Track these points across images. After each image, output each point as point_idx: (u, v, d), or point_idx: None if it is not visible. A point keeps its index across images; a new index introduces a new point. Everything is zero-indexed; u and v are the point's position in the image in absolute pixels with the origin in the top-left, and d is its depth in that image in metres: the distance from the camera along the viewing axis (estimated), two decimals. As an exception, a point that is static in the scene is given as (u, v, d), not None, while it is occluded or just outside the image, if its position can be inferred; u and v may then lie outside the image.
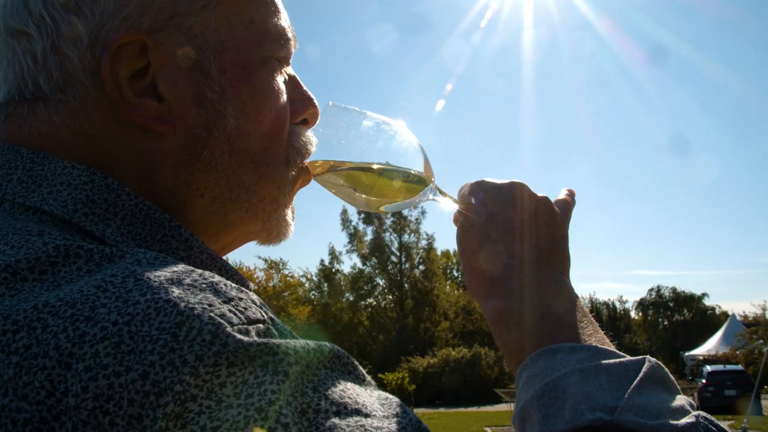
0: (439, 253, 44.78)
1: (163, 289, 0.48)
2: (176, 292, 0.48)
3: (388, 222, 38.75)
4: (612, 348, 0.71)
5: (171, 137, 0.68)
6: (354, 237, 43.53)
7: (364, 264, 44.88)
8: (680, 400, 0.64)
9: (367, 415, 0.49)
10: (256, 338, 0.48)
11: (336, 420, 0.47)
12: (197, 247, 0.66)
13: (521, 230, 0.81)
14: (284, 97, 0.76)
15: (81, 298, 0.47)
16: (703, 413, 0.63)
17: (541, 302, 0.76)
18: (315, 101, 0.82)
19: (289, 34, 0.76)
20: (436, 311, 43.37)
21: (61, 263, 0.52)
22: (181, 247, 0.64)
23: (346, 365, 0.54)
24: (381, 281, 45.51)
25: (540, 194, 0.85)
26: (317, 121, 0.83)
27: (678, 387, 0.68)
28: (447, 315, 44.11)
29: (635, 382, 0.64)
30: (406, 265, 43.67)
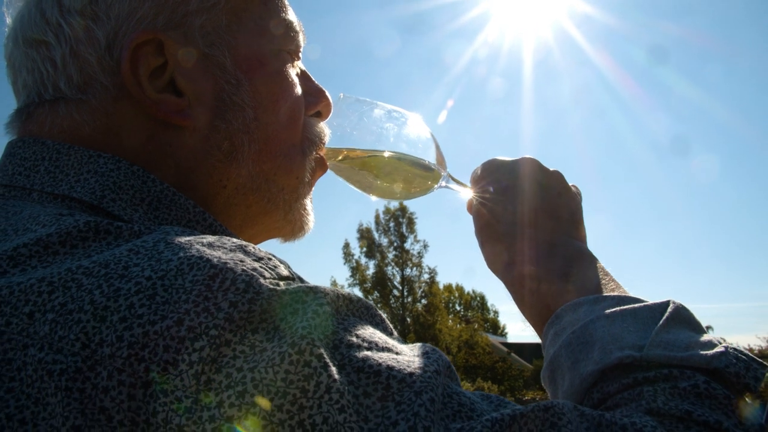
0: (441, 287, 44.58)
1: (194, 249, 0.50)
2: (208, 250, 0.50)
3: (390, 256, 38.62)
4: (636, 296, 0.72)
5: (191, 130, 0.70)
6: (356, 270, 43.39)
7: (366, 298, 44.47)
8: (707, 336, 0.65)
9: (397, 353, 0.50)
10: (288, 286, 0.49)
11: (368, 353, 0.48)
12: (221, 232, 0.68)
13: (534, 201, 0.84)
14: (298, 89, 0.78)
15: (113, 259, 0.49)
16: (731, 344, 0.63)
17: (563, 264, 0.79)
18: (327, 94, 0.85)
19: (297, 28, 0.79)
20: (438, 345, 42.87)
21: (92, 238, 0.53)
22: (206, 232, 0.65)
23: (374, 316, 0.55)
24: (383, 315, 45.01)
25: (552, 169, 0.88)
26: (330, 113, 0.86)
27: (703, 327, 0.68)
28: (449, 349, 43.69)
29: (661, 322, 0.66)
30: (408, 299, 43.42)
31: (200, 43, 0.70)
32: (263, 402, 0.42)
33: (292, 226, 0.81)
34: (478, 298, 52.75)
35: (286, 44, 0.77)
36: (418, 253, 38.73)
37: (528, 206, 0.84)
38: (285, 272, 0.52)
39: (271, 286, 0.48)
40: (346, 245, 38.37)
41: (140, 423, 0.42)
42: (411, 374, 0.47)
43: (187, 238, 0.52)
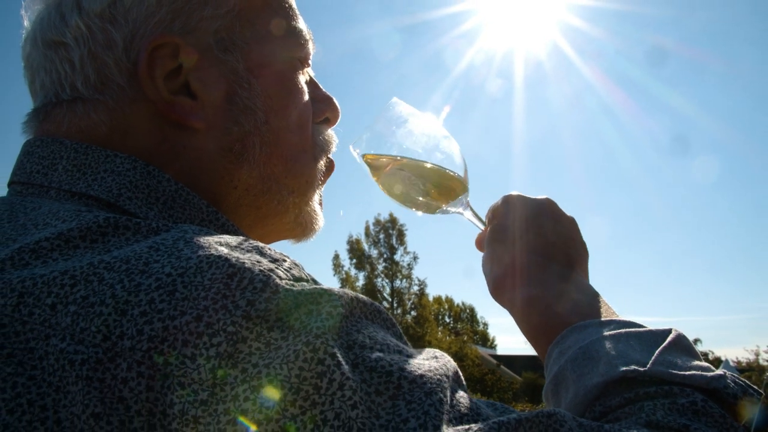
0: (431, 299, 44.55)
1: (213, 248, 0.51)
2: (226, 250, 0.51)
3: (380, 267, 38.58)
4: (637, 323, 0.75)
5: (204, 132, 0.71)
6: (346, 282, 43.26)
7: (355, 310, 44.21)
8: (705, 363, 0.68)
9: (409, 356, 0.52)
10: (303, 287, 0.50)
11: (380, 354, 0.49)
12: (233, 231, 0.70)
13: (528, 230, 0.87)
14: (306, 96, 0.80)
15: (134, 255, 0.50)
16: (728, 372, 0.66)
17: (568, 290, 0.82)
18: (335, 101, 0.87)
19: (308, 37, 0.81)
20: (428, 358, 42.66)
21: (111, 233, 0.55)
22: (219, 232, 0.65)
23: (386, 320, 0.56)
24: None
25: (541, 197, 0.91)
26: (338, 120, 0.88)
27: (701, 356, 0.71)
28: (439, 361, 43.38)
29: (664, 345, 0.69)
30: (398, 311, 43.33)
31: (214, 47, 0.72)
32: (277, 397, 0.43)
33: (302, 228, 0.83)
34: (468, 310, 52.74)
35: (296, 51, 0.79)
36: (408, 264, 38.74)
37: (524, 247, 0.86)
38: (299, 274, 0.53)
39: (287, 287, 0.49)
40: (336, 257, 38.32)
41: (157, 413, 0.43)
42: (421, 376, 0.49)
43: (206, 238, 0.54)
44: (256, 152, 0.74)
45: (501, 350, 52.75)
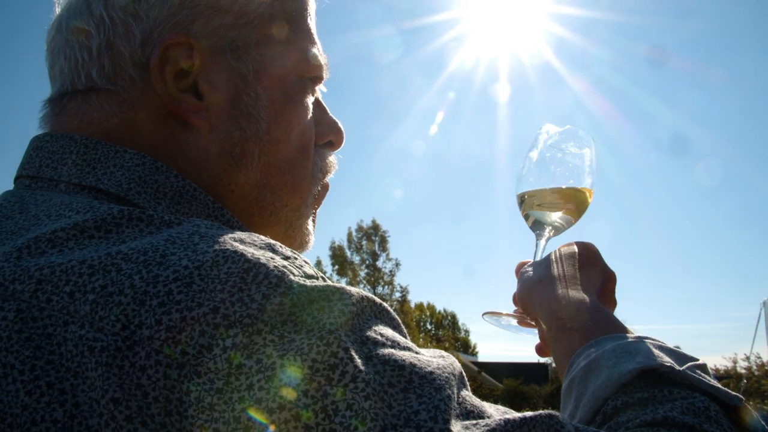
0: (412, 305, 44.56)
1: (228, 243, 0.53)
2: (240, 246, 0.53)
3: (362, 274, 38.46)
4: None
5: (207, 132, 0.73)
6: (327, 289, 42.89)
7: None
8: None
9: (417, 353, 0.54)
10: (316, 284, 0.52)
11: (392, 350, 0.51)
12: (239, 227, 0.72)
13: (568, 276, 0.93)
14: (310, 114, 0.82)
15: (151, 248, 0.52)
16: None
17: (616, 318, 0.87)
18: (340, 126, 0.88)
19: (322, 61, 0.82)
20: (409, 364, 42.59)
21: (125, 224, 0.56)
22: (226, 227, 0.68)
23: (393, 319, 0.58)
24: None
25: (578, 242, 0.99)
26: (342, 145, 0.89)
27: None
28: (421, 368, 43.36)
29: (695, 362, 0.74)
30: (380, 318, 43.09)
31: (228, 54, 0.74)
32: (290, 387, 0.45)
33: (291, 242, 0.84)
34: (450, 317, 52.82)
35: (308, 71, 0.81)
36: (390, 271, 38.69)
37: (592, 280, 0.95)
38: (311, 271, 0.55)
39: (301, 282, 0.51)
40: (318, 263, 38.12)
41: (173, 400, 0.45)
42: (431, 372, 0.50)
43: (219, 233, 0.55)
44: (254, 159, 0.76)
45: (482, 357, 52.83)
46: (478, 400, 0.55)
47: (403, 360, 0.50)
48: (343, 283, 0.53)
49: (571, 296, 0.88)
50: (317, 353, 0.46)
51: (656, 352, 0.74)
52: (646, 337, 0.79)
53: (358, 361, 0.48)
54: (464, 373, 0.57)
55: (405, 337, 0.57)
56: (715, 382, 0.71)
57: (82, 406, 0.46)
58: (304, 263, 0.56)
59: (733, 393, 0.69)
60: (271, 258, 0.52)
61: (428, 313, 49.87)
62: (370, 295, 0.55)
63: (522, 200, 1.07)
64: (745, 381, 15.74)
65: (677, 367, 0.70)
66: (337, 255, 37.77)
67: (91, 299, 0.48)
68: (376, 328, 0.53)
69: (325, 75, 0.84)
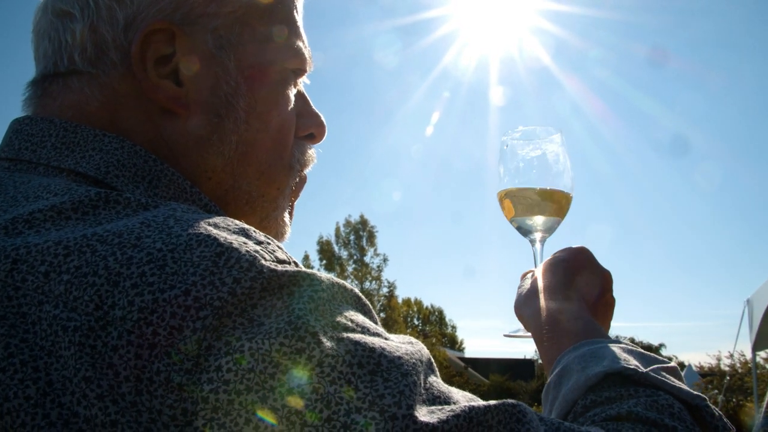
0: (400, 301, 44.63)
1: (202, 227, 0.53)
2: (214, 230, 0.54)
3: (350, 269, 38.43)
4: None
5: (185, 119, 0.74)
6: (315, 283, 42.86)
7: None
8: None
9: (387, 338, 0.55)
10: (287, 269, 0.53)
11: (362, 335, 0.52)
12: (216, 212, 0.72)
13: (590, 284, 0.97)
14: (291, 106, 0.82)
15: (127, 230, 0.52)
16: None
17: (598, 326, 0.90)
18: (322, 119, 0.89)
19: (306, 54, 0.83)
20: (396, 360, 42.61)
21: (102, 207, 0.57)
22: (203, 212, 0.67)
23: (364, 305, 0.59)
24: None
25: (575, 247, 1.01)
26: (324, 137, 0.89)
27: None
28: (407, 364, 43.41)
29: (662, 365, 0.78)
30: (367, 313, 43.13)
31: (210, 42, 0.74)
32: (258, 370, 0.46)
33: (266, 233, 0.81)
34: (437, 313, 52.93)
35: (290, 63, 0.81)
36: (378, 266, 38.69)
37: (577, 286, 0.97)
38: (283, 256, 0.56)
39: (272, 267, 0.51)
40: (306, 257, 38.03)
41: (144, 380, 0.45)
42: (399, 357, 0.52)
43: (194, 217, 0.56)
44: (232, 148, 0.76)
45: (469, 353, 53.04)
46: (446, 386, 0.55)
47: (373, 344, 0.51)
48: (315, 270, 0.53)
49: (551, 308, 0.91)
50: (285, 337, 0.47)
51: (624, 355, 0.77)
52: (619, 342, 0.83)
53: (326, 345, 0.48)
54: (432, 359, 0.57)
55: (376, 323, 0.57)
56: (681, 383, 0.74)
57: (55, 384, 0.46)
58: (277, 248, 0.56)
59: (696, 393, 0.72)
60: (244, 242, 0.53)
61: (415, 309, 49.94)
62: (341, 281, 0.56)
63: (503, 208, 1.09)
64: (728, 378, 15.87)
65: (642, 369, 0.73)
66: (325, 250, 37.71)
67: (66, 279, 0.49)
68: (346, 313, 0.54)
69: (309, 68, 0.85)
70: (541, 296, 0.93)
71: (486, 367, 40.49)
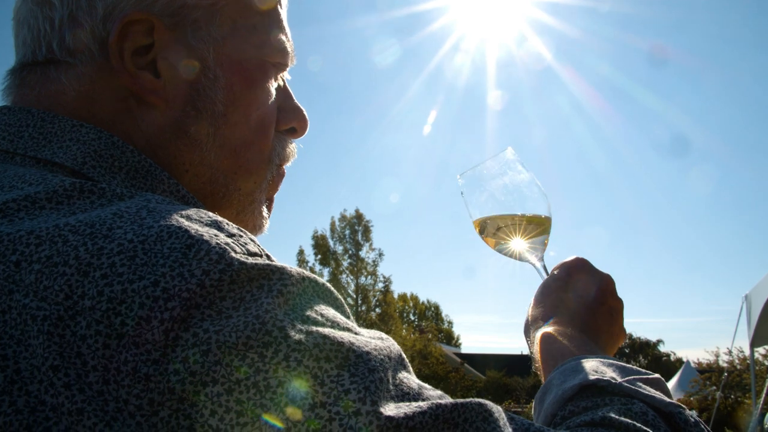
0: (396, 296, 44.39)
1: (174, 219, 0.54)
2: (186, 222, 0.54)
3: (345, 264, 38.14)
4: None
5: (162, 110, 0.74)
6: (310, 278, 42.58)
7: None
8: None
9: (357, 333, 0.55)
10: (257, 262, 0.53)
11: (330, 330, 0.52)
12: (194, 204, 0.72)
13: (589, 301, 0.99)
14: (272, 101, 0.81)
15: (99, 221, 0.52)
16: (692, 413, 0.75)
17: (591, 346, 0.93)
18: (304, 113, 0.88)
19: (288, 48, 0.82)
20: (392, 355, 42.43)
21: (77, 197, 0.57)
22: (180, 203, 0.66)
23: (336, 299, 0.59)
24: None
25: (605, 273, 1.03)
26: (305, 132, 0.88)
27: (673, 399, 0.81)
28: (403, 359, 43.23)
29: (641, 376, 0.79)
30: (363, 308, 43.02)
31: (189, 35, 0.74)
32: (224, 362, 0.46)
33: (243, 226, 0.83)
34: (433, 308, 52.75)
35: (272, 57, 0.80)
36: (374, 261, 38.43)
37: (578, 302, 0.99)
38: (254, 249, 0.55)
39: (242, 260, 0.51)
40: (300, 252, 37.78)
41: (111, 369, 0.46)
42: (368, 353, 0.51)
43: (168, 208, 0.56)
44: (209, 141, 0.76)
45: (465, 349, 52.90)
46: (418, 382, 0.55)
47: (342, 338, 0.51)
48: (287, 264, 0.54)
49: (539, 336, 0.95)
50: (252, 330, 0.47)
51: (602, 368, 0.79)
52: (600, 357, 0.84)
53: (293, 339, 0.48)
54: (404, 355, 0.57)
55: (348, 317, 0.57)
56: (657, 393, 0.75)
57: (23, 372, 0.47)
58: (249, 241, 0.56)
59: (669, 401, 0.73)
60: (215, 235, 0.53)
61: (411, 304, 49.75)
62: (312, 275, 0.56)
63: (486, 239, 1.10)
64: (726, 374, 15.64)
65: (616, 380, 0.75)
66: (320, 244, 37.44)
67: (37, 269, 0.49)
68: (317, 307, 0.54)
69: (291, 62, 0.84)
70: (533, 327, 0.99)
71: (482, 363, 40.33)
